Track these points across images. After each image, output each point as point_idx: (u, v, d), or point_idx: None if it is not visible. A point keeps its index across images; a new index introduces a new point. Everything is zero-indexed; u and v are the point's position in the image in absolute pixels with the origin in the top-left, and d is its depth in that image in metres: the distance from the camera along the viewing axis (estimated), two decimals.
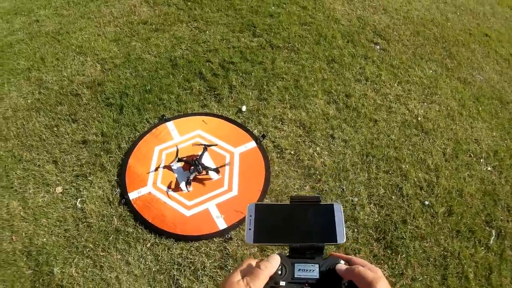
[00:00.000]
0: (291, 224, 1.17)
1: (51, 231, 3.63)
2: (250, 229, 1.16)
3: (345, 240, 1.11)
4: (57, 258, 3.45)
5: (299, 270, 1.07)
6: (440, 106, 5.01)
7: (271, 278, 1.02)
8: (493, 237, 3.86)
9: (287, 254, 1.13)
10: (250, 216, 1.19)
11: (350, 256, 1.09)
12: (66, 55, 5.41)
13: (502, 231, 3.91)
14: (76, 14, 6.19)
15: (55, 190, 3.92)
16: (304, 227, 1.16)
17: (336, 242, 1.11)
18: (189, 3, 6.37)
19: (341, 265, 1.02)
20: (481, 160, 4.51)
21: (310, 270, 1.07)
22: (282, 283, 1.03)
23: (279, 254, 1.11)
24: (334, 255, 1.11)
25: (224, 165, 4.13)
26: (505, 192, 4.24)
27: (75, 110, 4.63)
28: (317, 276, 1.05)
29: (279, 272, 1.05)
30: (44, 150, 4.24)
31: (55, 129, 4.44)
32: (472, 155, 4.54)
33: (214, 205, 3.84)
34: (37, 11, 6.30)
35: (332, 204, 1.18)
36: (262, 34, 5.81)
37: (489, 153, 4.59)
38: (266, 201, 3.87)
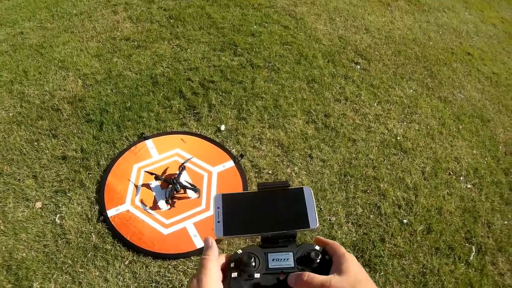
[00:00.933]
0: (260, 212, 1.13)
1: (31, 246, 3.62)
2: (218, 221, 1.11)
3: (317, 225, 1.09)
4: (37, 273, 3.44)
5: (273, 260, 1.04)
6: (420, 125, 5.06)
7: (243, 271, 1.01)
8: (473, 253, 3.91)
9: (260, 245, 1.10)
10: (218, 208, 1.14)
11: (328, 241, 1.06)
12: (49, 69, 5.40)
13: (483, 247, 3.96)
14: (60, 28, 6.18)
15: (34, 205, 3.91)
16: (274, 215, 1.12)
17: (309, 227, 1.09)
18: (171, 21, 6.40)
19: (292, 276, 0.99)
20: (461, 178, 4.55)
21: (285, 259, 1.04)
22: (257, 275, 1.00)
23: (250, 245, 1.09)
24: (317, 239, 1.09)
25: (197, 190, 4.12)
26: (485, 209, 4.30)
27: (55, 125, 4.62)
28: (292, 265, 1.02)
29: (253, 264, 1.02)
30: (24, 165, 4.23)
31: (36, 143, 4.43)
32: (452, 173, 4.58)
33: (192, 224, 3.85)
34: (21, 23, 6.30)
35: (302, 188, 1.15)
36: (243, 53, 5.84)
37: (469, 170, 4.64)
38: None
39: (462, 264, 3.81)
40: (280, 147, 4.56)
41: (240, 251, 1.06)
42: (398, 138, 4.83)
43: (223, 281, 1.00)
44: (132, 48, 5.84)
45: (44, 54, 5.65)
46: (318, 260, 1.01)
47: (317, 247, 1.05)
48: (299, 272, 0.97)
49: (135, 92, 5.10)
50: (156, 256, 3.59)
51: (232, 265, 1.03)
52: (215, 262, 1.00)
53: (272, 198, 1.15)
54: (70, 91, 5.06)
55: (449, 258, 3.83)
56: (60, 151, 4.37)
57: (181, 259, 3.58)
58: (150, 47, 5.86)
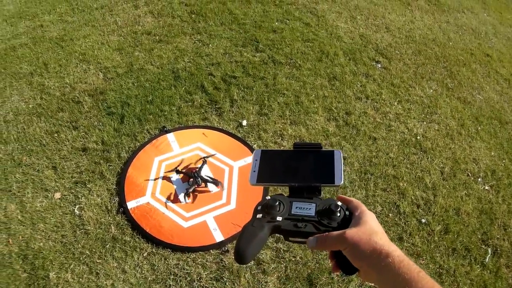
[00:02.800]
0: (292, 167, 1.23)
1: (48, 236, 3.62)
2: (254, 171, 1.24)
3: (342, 182, 1.15)
4: (53, 263, 3.44)
5: (296, 207, 1.12)
6: (440, 125, 5.03)
7: (268, 213, 1.10)
8: (489, 255, 3.87)
9: (287, 195, 1.18)
10: (256, 160, 1.27)
11: (351, 199, 1.13)
12: (69, 61, 5.42)
13: (498, 249, 3.92)
14: (80, 21, 6.20)
15: (53, 195, 3.92)
16: (304, 170, 1.22)
17: (334, 183, 1.15)
18: (193, 16, 6.40)
19: (311, 238, 1.05)
20: (479, 179, 4.52)
21: (307, 208, 1.12)
22: (279, 218, 1.09)
23: (278, 194, 1.18)
24: (341, 196, 1.15)
25: (219, 183, 4.13)
26: (502, 211, 4.26)
27: (76, 117, 4.64)
28: (313, 214, 1.10)
29: (277, 208, 1.11)
30: (44, 156, 4.25)
31: (56, 135, 4.45)
32: (470, 174, 4.55)
33: (212, 218, 3.84)
34: (41, 16, 6.32)
35: (333, 151, 1.23)
36: (264, 50, 5.83)
37: (487, 172, 4.61)
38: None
39: (478, 266, 3.77)
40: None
41: (268, 197, 1.16)
42: (418, 137, 4.82)
43: (248, 222, 1.09)
44: (154, 42, 5.85)
45: (64, 47, 5.67)
46: (338, 214, 1.08)
47: (338, 203, 1.12)
48: (318, 235, 1.04)
49: (156, 86, 5.10)
50: (175, 248, 3.59)
51: (259, 208, 1.14)
52: None
53: (305, 156, 1.25)
54: (91, 84, 5.08)
55: (465, 259, 3.80)
56: (81, 143, 4.38)
57: (200, 252, 3.57)
58: (171, 42, 5.86)
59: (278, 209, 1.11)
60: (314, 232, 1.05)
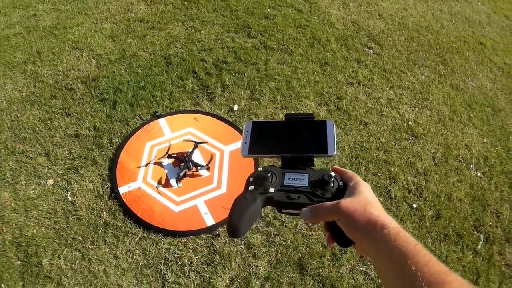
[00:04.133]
0: (284, 138, 1.22)
1: (41, 223, 3.64)
2: (245, 143, 1.22)
3: (335, 153, 1.15)
4: (46, 250, 3.47)
5: (289, 178, 1.11)
6: (432, 111, 5.04)
7: (260, 185, 1.09)
8: (481, 242, 3.88)
9: (280, 166, 1.18)
10: (247, 131, 1.25)
11: (345, 170, 1.12)
12: (62, 49, 5.43)
13: (491, 236, 3.93)
14: (73, 10, 6.20)
15: (46, 182, 3.94)
16: (296, 141, 1.21)
17: (327, 154, 1.15)
18: (185, 3, 6.40)
19: (304, 209, 1.04)
20: (471, 166, 4.53)
21: (300, 179, 1.10)
22: (271, 190, 1.08)
23: (271, 165, 1.18)
24: (335, 168, 1.14)
25: (211, 159, 4.16)
26: (494, 198, 4.27)
27: (69, 104, 4.65)
28: (306, 185, 1.08)
29: (270, 180, 1.10)
30: (37, 143, 4.26)
31: (49, 122, 4.46)
32: (462, 161, 4.56)
33: (203, 202, 3.86)
34: (35, 6, 6.31)
35: (325, 121, 1.21)
36: (256, 35, 5.84)
37: (479, 159, 4.62)
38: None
39: (470, 253, 3.78)
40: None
41: (260, 169, 1.14)
42: (410, 123, 4.82)
43: (240, 194, 1.08)
44: (146, 29, 5.86)
45: (57, 35, 5.68)
46: (332, 185, 1.07)
47: (332, 173, 1.10)
48: (312, 205, 1.03)
49: (148, 72, 5.11)
50: (167, 233, 3.61)
51: (251, 179, 1.13)
52: None
53: (297, 127, 1.24)
54: (84, 71, 5.09)
55: (457, 246, 3.81)
56: (73, 129, 4.39)
57: (191, 237, 3.59)
58: (164, 28, 5.88)
59: (270, 180, 1.10)
60: (308, 203, 1.04)
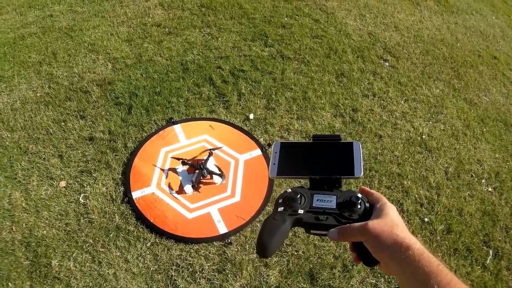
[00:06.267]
0: (312, 159, 1.24)
1: (52, 224, 3.64)
2: (274, 164, 1.24)
3: (362, 174, 1.16)
4: (56, 251, 3.47)
5: (317, 200, 1.13)
6: (445, 126, 5.03)
7: (289, 206, 1.11)
8: (490, 257, 3.86)
9: (308, 187, 1.19)
10: (275, 152, 1.27)
11: (372, 191, 1.14)
12: (78, 51, 5.44)
13: (499, 251, 3.91)
14: (90, 12, 6.21)
15: (58, 184, 3.94)
16: (323, 162, 1.23)
17: (354, 175, 1.16)
18: (203, 9, 6.40)
19: (332, 229, 1.06)
20: (483, 181, 4.52)
21: (328, 201, 1.12)
22: (300, 211, 1.09)
23: (299, 186, 1.19)
24: (362, 188, 1.16)
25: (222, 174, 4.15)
26: (504, 214, 4.24)
27: (83, 107, 4.65)
28: (334, 206, 1.10)
29: (299, 201, 1.11)
30: (50, 144, 4.26)
31: (63, 124, 4.46)
32: (474, 175, 4.55)
33: (216, 210, 3.86)
34: (51, 6, 6.32)
35: (352, 142, 1.23)
36: (273, 44, 5.84)
37: (491, 174, 4.60)
38: (268, 208, 3.87)
39: (479, 267, 3.76)
40: (307, 139, 4.52)
41: (289, 190, 1.16)
42: (424, 136, 4.81)
43: (270, 215, 1.10)
44: (163, 34, 5.86)
45: (73, 37, 5.69)
46: (359, 206, 1.08)
47: (359, 195, 1.11)
48: (340, 226, 1.05)
49: (165, 78, 5.11)
50: (179, 239, 3.60)
51: (280, 200, 1.15)
52: None
53: (324, 148, 1.26)
54: (99, 74, 5.10)
55: (467, 260, 3.79)
56: (88, 132, 4.40)
57: (203, 244, 3.58)
58: (181, 34, 5.87)
59: (299, 202, 1.12)
60: (336, 225, 1.06)
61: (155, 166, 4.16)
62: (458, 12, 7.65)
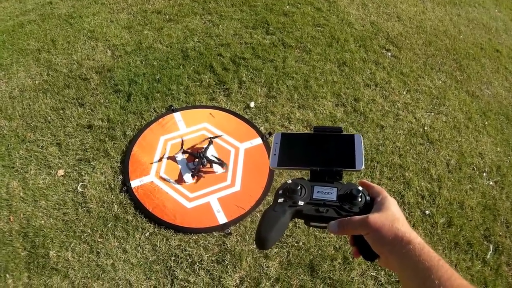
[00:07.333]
0: (313, 151, 1.24)
1: (50, 214, 3.62)
2: (275, 154, 1.24)
3: (363, 167, 1.16)
4: (54, 241, 3.45)
5: (318, 192, 1.12)
6: (447, 117, 5.00)
7: (290, 197, 1.10)
8: (490, 252, 3.84)
9: (308, 179, 1.19)
10: (276, 143, 1.26)
11: (373, 184, 1.14)
12: (77, 38, 5.42)
13: (500, 246, 3.89)
14: None
15: (56, 172, 3.92)
16: (324, 154, 1.23)
17: (355, 168, 1.16)
18: None
19: (332, 222, 1.06)
20: (484, 174, 4.49)
21: (328, 193, 1.12)
22: (301, 203, 1.09)
23: (299, 178, 1.18)
24: (362, 181, 1.16)
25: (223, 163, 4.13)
26: (505, 208, 4.22)
27: (82, 94, 4.63)
28: (335, 199, 1.10)
29: (299, 192, 1.11)
30: (49, 132, 4.24)
31: (61, 111, 4.44)
32: (475, 169, 4.52)
33: (216, 199, 3.83)
34: None
35: (353, 135, 1.23)
36: (275, 32, 5.81)
37: (492, 167, 4.58)
38: (268, 198, 3.86)
39: (479, 262, 3.75)
40: (308, 128, 4.52)
41: (289, 181, 1.16)
42: (425, 128, 4.79)
43: (270, 207, 1.09)
44: (163, 21, 5.84)
45: (73, 24, 5.67)
46: (360, 199, 1.09)
47: (360, 188, 1.12)
48: (340, 219, 1.05)
49: (165, 65, 5.08)
50: (178, 229, 3.58)
51: (280, 191, 1.14)
52: None
53: (325, 140, 1.26)
54: (98, 61, 5.08)
55: (467, 254, 3.78)
56: (86, 120, 4.38)
57: (202, 234, 3.56)
58: (181, 21, 5.85)
59: (299, 193, 1.11)
60: (336, 217, 1.06)
61: (154, 154, 4.14)
62: (461, 4, 7.62)
